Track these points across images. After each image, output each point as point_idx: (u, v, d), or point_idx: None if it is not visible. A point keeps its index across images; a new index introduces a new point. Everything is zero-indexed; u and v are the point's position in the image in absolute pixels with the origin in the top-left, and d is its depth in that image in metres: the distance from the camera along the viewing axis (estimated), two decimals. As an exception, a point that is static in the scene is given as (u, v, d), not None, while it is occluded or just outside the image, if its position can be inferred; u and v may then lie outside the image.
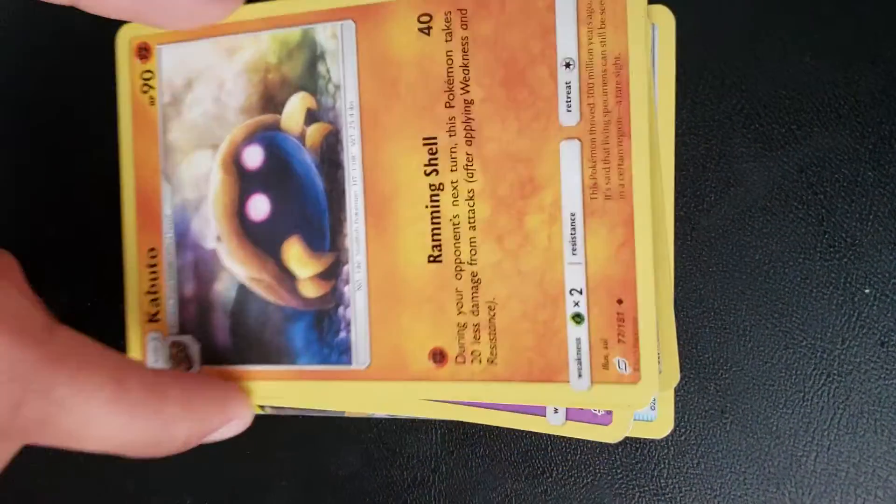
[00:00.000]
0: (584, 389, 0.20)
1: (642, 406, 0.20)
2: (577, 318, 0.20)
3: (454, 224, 0.21)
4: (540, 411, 0.22)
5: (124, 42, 0.24)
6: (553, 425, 0.22)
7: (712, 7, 0.22)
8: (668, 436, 0.22)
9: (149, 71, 0.24)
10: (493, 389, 0.21)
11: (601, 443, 0.23)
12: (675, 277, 0.22)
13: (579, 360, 0.20)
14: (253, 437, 0.26)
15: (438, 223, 0.21)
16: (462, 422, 0.24)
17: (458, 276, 0.21)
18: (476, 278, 0.21)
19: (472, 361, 0.21)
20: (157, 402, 0.20)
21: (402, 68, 0.22)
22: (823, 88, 0.22)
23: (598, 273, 0.20)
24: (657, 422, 0.22)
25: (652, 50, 0.22)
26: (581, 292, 0.20)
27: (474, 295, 0.21)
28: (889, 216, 0.21)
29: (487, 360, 0.21)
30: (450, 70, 0.21)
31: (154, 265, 0.24)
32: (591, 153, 0.20)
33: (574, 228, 0.20)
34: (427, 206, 0.22)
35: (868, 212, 0.21)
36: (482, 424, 0.23)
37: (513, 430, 0.23)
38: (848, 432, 0.22)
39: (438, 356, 0.21)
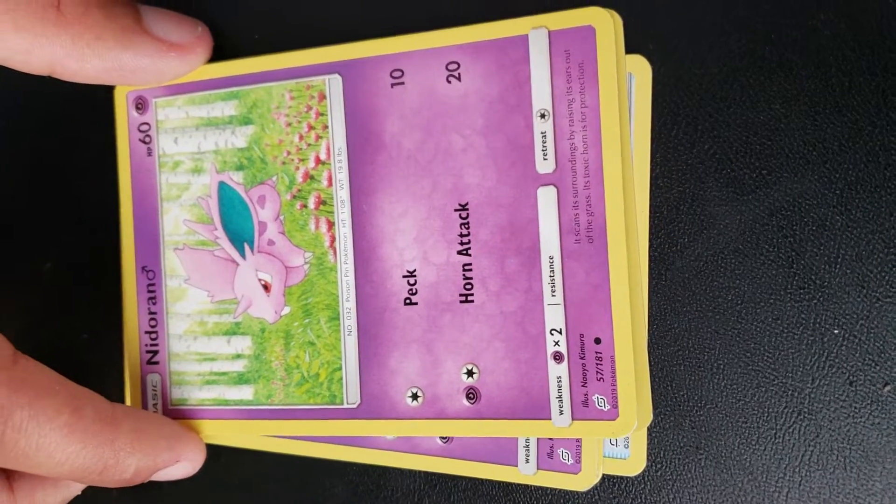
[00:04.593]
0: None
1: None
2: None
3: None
4: (511, 461, 0.22)
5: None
6: (524, 475, 0.22)
7: (686, 58, 0.23)
8: (644, 471, 0.23)
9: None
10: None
11: (579, 478, 0.23)
12: (650, 317, 0.23)
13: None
14: (241, 468, 0.26)
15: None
16: (444, 456, 0.24)
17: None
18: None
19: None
20: (110, 433, 0.21)
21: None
22: (792, 135, 0.22)
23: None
24: (630, 459, 0.23)
25: (629, 98, 0.23)
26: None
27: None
28: (856, 259, 0.22)
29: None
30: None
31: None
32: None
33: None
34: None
35: (836, 255, 0.22)
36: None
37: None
38: (818, 469, 0.22)
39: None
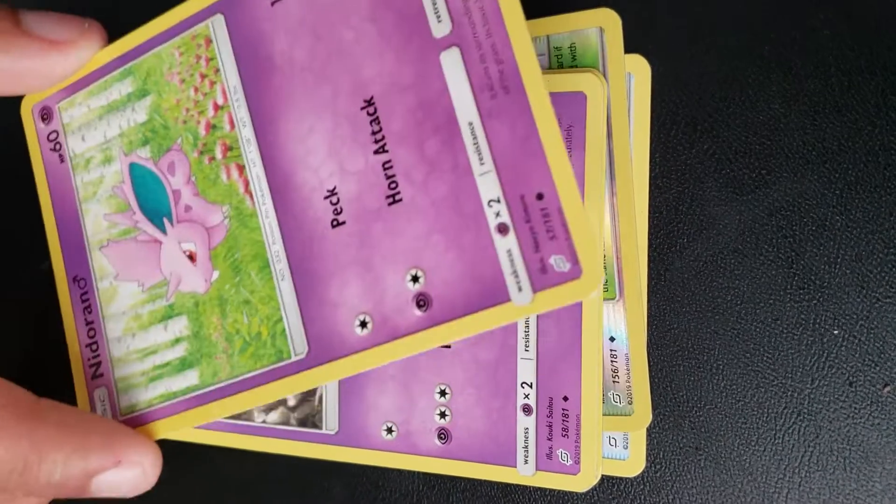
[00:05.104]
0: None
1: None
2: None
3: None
4: (510, 462, 0.22)
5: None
6: (523, 476, 0.22)
7: (685, 57, 0.23)
8: (644, 472, 0.23)
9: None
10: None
11: (578, 479, 0.23)
12: (649, 317, 0.23)
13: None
14: (239, 469, 0.26)
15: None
16: (443, 457, 0.24)
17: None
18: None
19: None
20: (30, 424, 0.19)
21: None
22: (792, 135, 0.22)
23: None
24: (629, 461, 0.22)
25: (628, 98, 0.23)
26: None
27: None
28: (856, 259, 0.22)
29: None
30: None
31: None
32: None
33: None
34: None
35: (836, 255, 0.22)
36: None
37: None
38: (818, 469, 0.22)
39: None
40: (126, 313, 0.23)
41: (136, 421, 0.23)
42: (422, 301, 0.20)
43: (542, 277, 0.19)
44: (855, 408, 0.22)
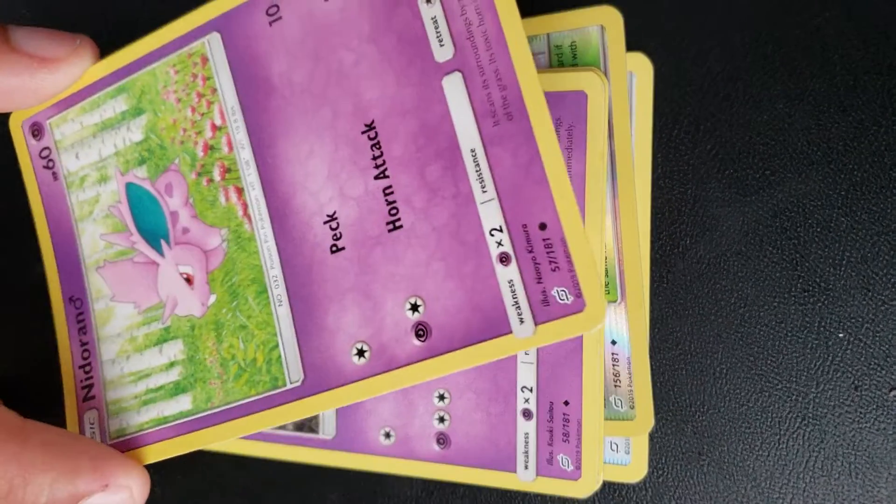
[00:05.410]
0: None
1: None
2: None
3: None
4: (511, 468, 0.22)
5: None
6: (523, 482, 0.22)
7: (688, 55, 0.22)
8: (646, 478, 0.23)
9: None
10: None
11: (579, 484, 0.23)
12: (651, 320, 0.23)
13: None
14: (235, 476, 0.26)
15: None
16: (442, 462, 0.24)
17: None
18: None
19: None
20: (15, 445, 0.19)
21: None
22: (796, 135, 0.22)
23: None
24: (631, 466, 0.22)
25: (630, 97, 0.22)
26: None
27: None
28: (861, 261, 0.22)
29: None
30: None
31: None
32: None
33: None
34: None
35: (841, 257, 0.22)
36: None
37: (492, 470, 0.24)
38: (823, 475, 0.22)
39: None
40: (121, 335, 0.23)
41: (125, 445, 0.22)
42: (421, 330, 0.20)
43: (544, 310, 0.18)
44: (860, 412, 0.22)
